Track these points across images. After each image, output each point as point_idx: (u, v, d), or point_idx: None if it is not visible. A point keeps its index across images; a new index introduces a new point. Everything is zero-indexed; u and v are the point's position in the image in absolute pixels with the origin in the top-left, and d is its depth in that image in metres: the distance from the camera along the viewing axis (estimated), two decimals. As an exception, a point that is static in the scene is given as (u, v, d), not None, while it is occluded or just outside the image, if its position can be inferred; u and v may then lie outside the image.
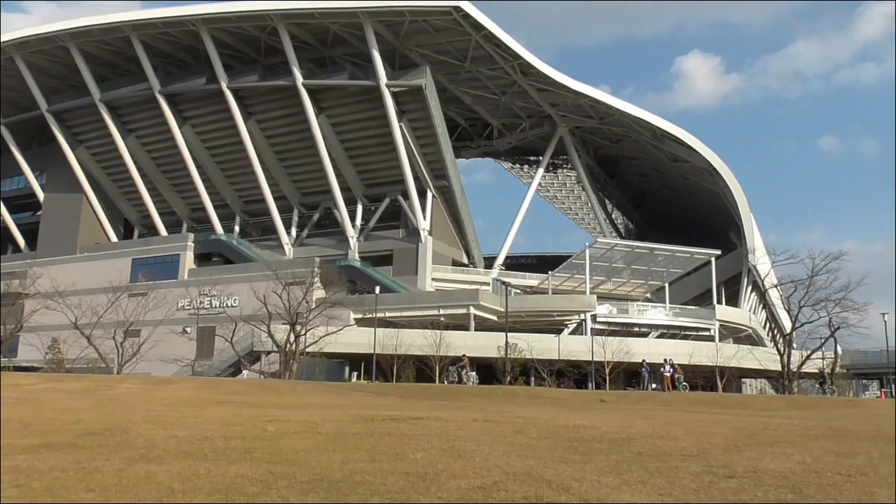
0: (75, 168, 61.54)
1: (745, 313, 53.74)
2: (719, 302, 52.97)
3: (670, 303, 52.55)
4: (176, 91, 57.01)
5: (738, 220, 55.07)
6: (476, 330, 46.39)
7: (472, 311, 46.98)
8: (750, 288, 55.20)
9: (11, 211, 66.49)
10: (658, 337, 49.60)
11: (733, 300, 55.58)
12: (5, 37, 56.97)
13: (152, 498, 4.99)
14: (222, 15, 51.87)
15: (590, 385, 40.59)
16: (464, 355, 35.43)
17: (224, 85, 54.24)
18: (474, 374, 35.76)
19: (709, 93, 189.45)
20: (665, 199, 77.33)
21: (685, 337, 48.79)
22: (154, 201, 61.76)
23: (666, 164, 63.89)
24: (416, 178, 54.59)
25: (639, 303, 54.07)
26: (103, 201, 63.71)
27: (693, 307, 52.85)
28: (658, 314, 51.43)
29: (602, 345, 39.91)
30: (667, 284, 53.90)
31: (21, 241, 66.10)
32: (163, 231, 61.71)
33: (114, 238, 63.91)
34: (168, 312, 47.29)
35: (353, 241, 56.28)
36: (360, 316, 46.00)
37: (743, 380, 54.50)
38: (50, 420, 10.49)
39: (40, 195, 64.98)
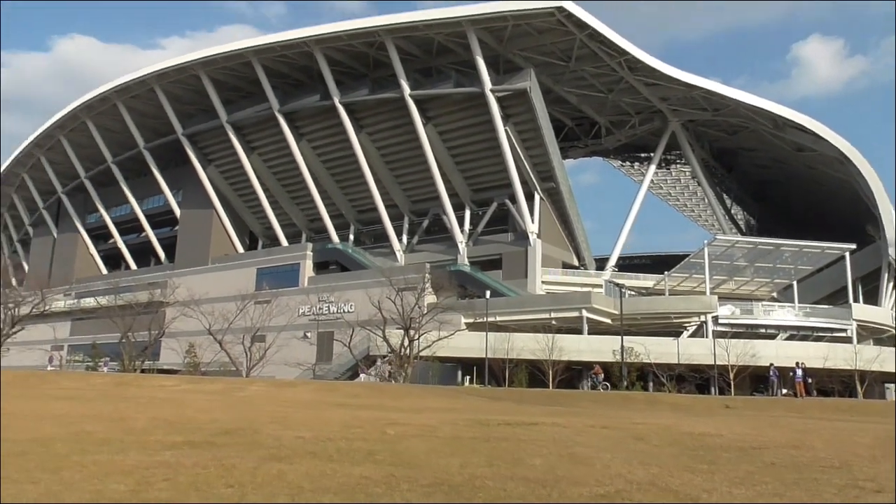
0: (206, 186, 66.00)
1: (887, 312, 49.56)
2: (856, 300, 49.18)
3: (800, 302, 49.31)
4: (293, 109, 59.91)
5: (876, 211, 50.83)
6: (589, 333, 45.49)
7: (585, 314, 46.09)
8: (892, 284, 50.86)
9: (153, 227, 72.10)
10: (787, 339, 46.69)
11: (872, 298, 51.36)
12: (148, 69, 62.86)
13: (284, 496, 5.24)
14: (334, 34, 54.13)
15: (713, 390, 38.79)
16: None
17: (336, 100, 56.41)
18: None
19: (831, 78, 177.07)
20: (789, 191, 72.65)
21: (818, 339, 45.61)
22: (275, 214, 65.08)
23: (789, 155, 60.09)
24: (524, 182, 54.36)
25: (764, 303, 51.12)
26: (231, 215, 67.87)
27: (826, 306, 49.32)
28: (786, 314, 48.40)
29: (725, 348, 37.99)
30: (795, 282, 50.66)
31: (162, 254, 71.53)
32: (284, 241, 64.84)
33: (240, 249, 67.85)
34: (290, 319, 49.58)
35: (462, 246, 56.78)
36: (470, 320, 46.31)
37: (887, 385, 50.16)
38: (190, 419, 11.26)
39: (177, 212, 70.08)
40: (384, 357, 43.33)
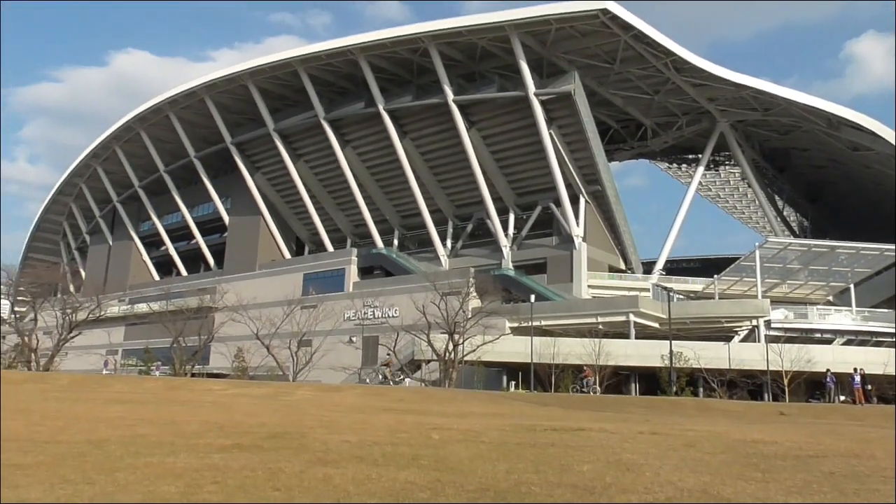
0: (254, 193, 67.34)
1: (952, 316, 47.42)
2: (918, 304, 47.30)
3: (857, 306, 47.65)
4: (338, 116, 60.70)
5: (937, 211, 48.88)
6: (637, 338, 44.76)
7: (632, 318, 45.36)
8: (956, 287, 48.73)
9: (203, 234, 73.87)
10: (844, 344, 45.16)
11: (936, 302, 49.30)
12: (198, 81, 64.60)
13: (331, 500, 5.25)
14: (378, 42, 54.68)
15: (766, 396, 37.72)
16: None
17: (381, 107, 56.91)
18: None
19: (887, 75, 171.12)
20: (845, 191, 70.33)
21: (878, 343, 43.97)
22: (321, 220, 65.96)
23: (844, 154, 58.17)
24: (568, 185, 53.89)
25: (819, 306, 49.56)
26: (278, 222, 69.08)
27: (885, 310, 47.55)
28: (843, 318, 46.84)
29: (779, 353, 36.90)
30: (852, 286, 48.99)
31: (211, 261, 73.19)
32: (329, 247, 65.65)
33: (287, 255, 68.93)
34: (336, 323, 50.03)
35: (506, 251, 56.57)
36: (515, 325, 46.03)
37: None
38: (239, 423, 11.44)
39: (226, 219, 71.68)
40: (428, 362, 43.41)
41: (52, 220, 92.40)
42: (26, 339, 45.66)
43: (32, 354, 44.94)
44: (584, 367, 35.89)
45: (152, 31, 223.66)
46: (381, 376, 36.41)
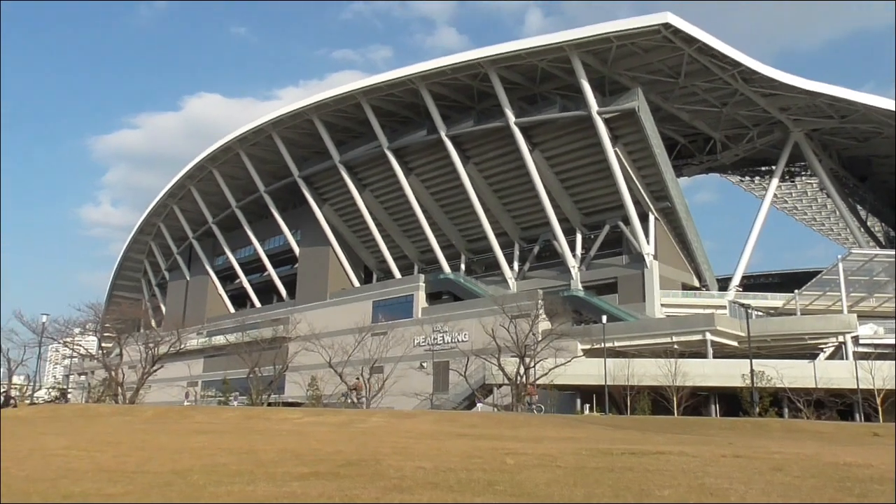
0: (323, 224, 68.93)
1: None
2: None
3: (955, 318, 44.64)
4: (401, 145, 61.68)
5: None
6: (714, 357, 43.24)
7: (709, 336, 43.91)
8: None
9: (275, 266, 75.98)
10: (942, 359, 42.30)
11: None
12: (265, 118, 66.83)
13: (408, 526, 5.25)
14: (438, 69, 55.41)
15: (857, 417, 35.68)
16: None
17: (443, 134, 57.55)
18: None
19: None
20: (935, 198, 66.49)
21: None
22: (388, 247, 66.84)
23: (932, 159, 55.13)
24: (636, 203, 52.95)
25: (912, 320, 46.69)
26: (346, 251, 70.38)
27: None
28: (939, 332, 43.91)
29: (869, 370, 34.92)
30: (948, 297, 46.01)
31: (283, 292, 75.11)
32: (397, 274, 66.34)
33: (356, 283, 70.02)
34: (406, 349, 50.31)
35: (574, 271, 55.86)
36: (587, 346, 45.24)
37: None
38: (315, 450, 11.61)
39: (296, 250, 73.56)
40: (500, 386, 42.97)
41: (133, 258, 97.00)
42: (113, 373, 47.72)
43: (119, 388, 46.92)
44: (528, 386, 35.19)
45: (222, 74, 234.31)
46: (350, 399, 36.66)
